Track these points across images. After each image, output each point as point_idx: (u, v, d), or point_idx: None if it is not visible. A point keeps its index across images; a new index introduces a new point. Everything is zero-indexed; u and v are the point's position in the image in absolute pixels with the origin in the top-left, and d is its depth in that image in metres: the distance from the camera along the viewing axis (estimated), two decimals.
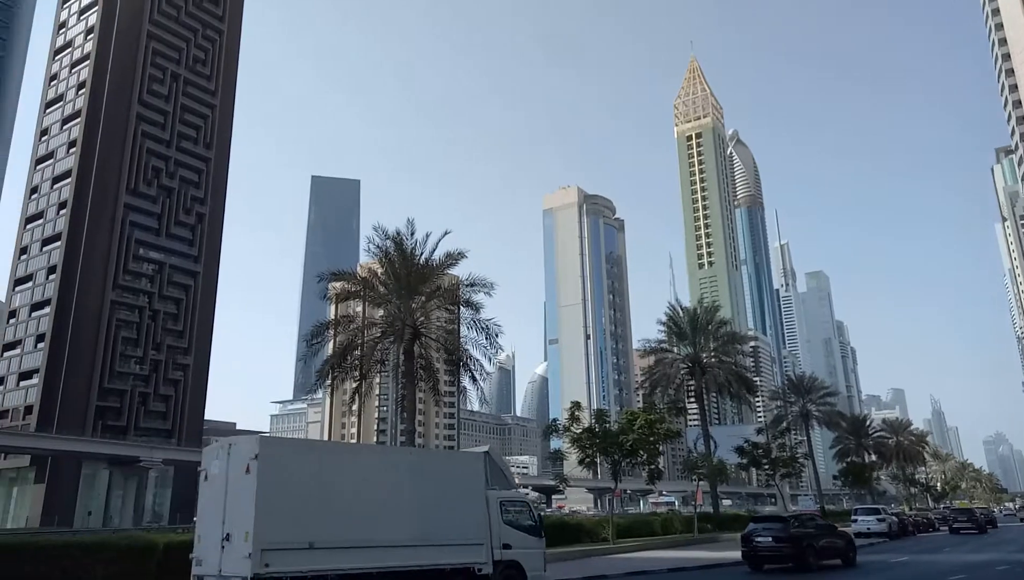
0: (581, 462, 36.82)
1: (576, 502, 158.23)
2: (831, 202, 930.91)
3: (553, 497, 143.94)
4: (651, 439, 34.89)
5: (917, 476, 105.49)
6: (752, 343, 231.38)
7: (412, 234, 28.35)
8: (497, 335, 29.24)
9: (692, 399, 52.17)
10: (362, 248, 35.03)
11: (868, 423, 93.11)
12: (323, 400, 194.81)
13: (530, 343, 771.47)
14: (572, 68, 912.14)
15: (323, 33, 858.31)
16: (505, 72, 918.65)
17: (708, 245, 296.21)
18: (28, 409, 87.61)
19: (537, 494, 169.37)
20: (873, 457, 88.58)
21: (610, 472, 38.26)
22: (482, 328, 28.87)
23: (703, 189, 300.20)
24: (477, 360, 28.95)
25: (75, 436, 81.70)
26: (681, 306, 54.10)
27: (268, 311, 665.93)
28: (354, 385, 29.01)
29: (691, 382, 50.13)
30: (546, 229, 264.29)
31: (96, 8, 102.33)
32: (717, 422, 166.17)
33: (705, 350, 50.74)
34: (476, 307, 28.84)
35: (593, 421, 36.89)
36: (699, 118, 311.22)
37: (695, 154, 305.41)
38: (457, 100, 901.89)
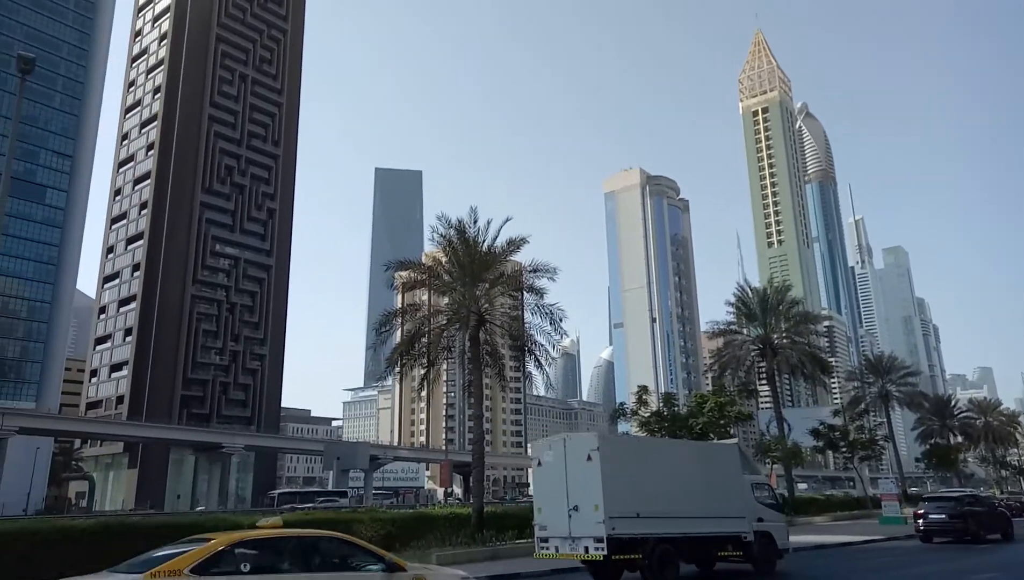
0: None
1: None
2: (910, 175, 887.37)
3: None
4: (721, 422, 34.32)
5: (1008, 458, 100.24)
6: (826, 323, 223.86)
7: (475, 222, 28.54)
8: (561, 320, 29.18)
9: (763, 381, 50.92)
10: (426, 237, 35.50)
11: (953, 403, 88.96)
12: (393, 387, 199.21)
13: (594, 328, 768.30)
14: (632, 50, 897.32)
15: (383, 25, 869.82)
16: (562, 57, 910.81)
17: (777, 223, 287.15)
18: (120, 399, 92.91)
19: None
20: (959, 439, 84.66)
21: None
22: (546, 313, 28.86)
23: (771, 165, 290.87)
24: (542, 345, 28.98)
25: (163, 424, 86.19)
26: (750, 286, 52.73)
27: (338, 301, 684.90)
28: (422, 372, 29.51)
29: (762, 364, 48.94)
30: (608, 212, 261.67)
31: (168, 15, 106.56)
32: (790, 404, 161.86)
33: (776, 331, 49.40)
34: (539, 293, 28.86)
35: (661, 405, 36.52)
36: (765, 92, 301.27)
37: (761, 130, 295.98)
38: (515, 87, 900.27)
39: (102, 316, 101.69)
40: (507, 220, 29.72)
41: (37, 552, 17.80)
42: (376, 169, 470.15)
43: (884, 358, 73.76)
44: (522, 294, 30.26)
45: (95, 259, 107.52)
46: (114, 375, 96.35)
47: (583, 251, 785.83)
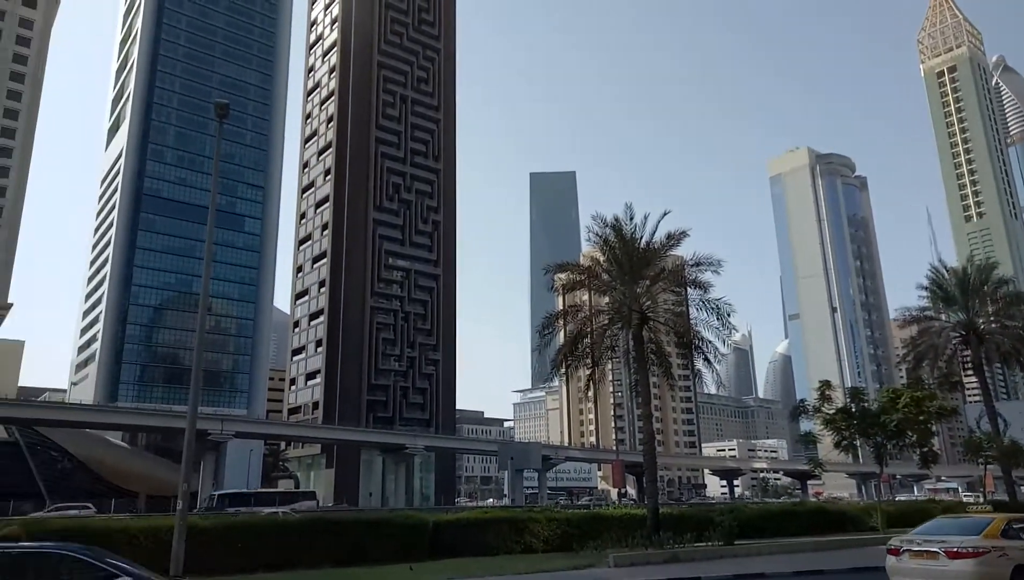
0: (837, 445, 33.90)
1: (835, 488, 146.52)
2: None
3: (808, 483, 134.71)
4: (920, 418, 31.08)
5: None
6: None
7: (631, 219, 28.14)
8: (729, 315, 27.94)
9: (969, 372, 45.52)
10: (583, 238, 35.55)
11: None
12: (560, 388, 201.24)
13: (767, 321, 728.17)
14: (799, 25, 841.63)
15: (526, 33, 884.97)
16: (703, 50, 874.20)
17: (975, 194, 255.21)
18: (315, 404, 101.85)
19: (790, 479, 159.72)
20: None
21: (873, 456, 34.75)
22: (712, 308, 27.79)
23: (963, 131, 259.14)
24: (709, 342, 27.94)
25: (353, 427, 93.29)
26: (946, 266, 47.32)
27: (504, 305, 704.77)
28: (587, 372, 29.52)
29: (966, 352, 43.78)
30: (775, 197, 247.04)
31: (335, 49, 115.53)
32: (1005, 397, 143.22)
33: (981, 315, 43.96)
34: (704, 287, 27.86)
35: (848, 400, 33.77)
36: (951, 49, 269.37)
37: (949, 92, 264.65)
38: (658, 85, 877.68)
39: (296, 330, 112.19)
40: (665, 214, 29.03)
41: (257, 543, 19.90)
42: (531, 173, 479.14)
43: None
44: (685, 289, 29.38)
45: (287, 278, 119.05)
46: (309, 383, 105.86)
47: (748, 241, 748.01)
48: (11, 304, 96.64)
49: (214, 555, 18.19)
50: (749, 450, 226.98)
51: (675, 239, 28.41)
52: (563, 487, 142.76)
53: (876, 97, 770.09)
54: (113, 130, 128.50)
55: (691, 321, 28.64)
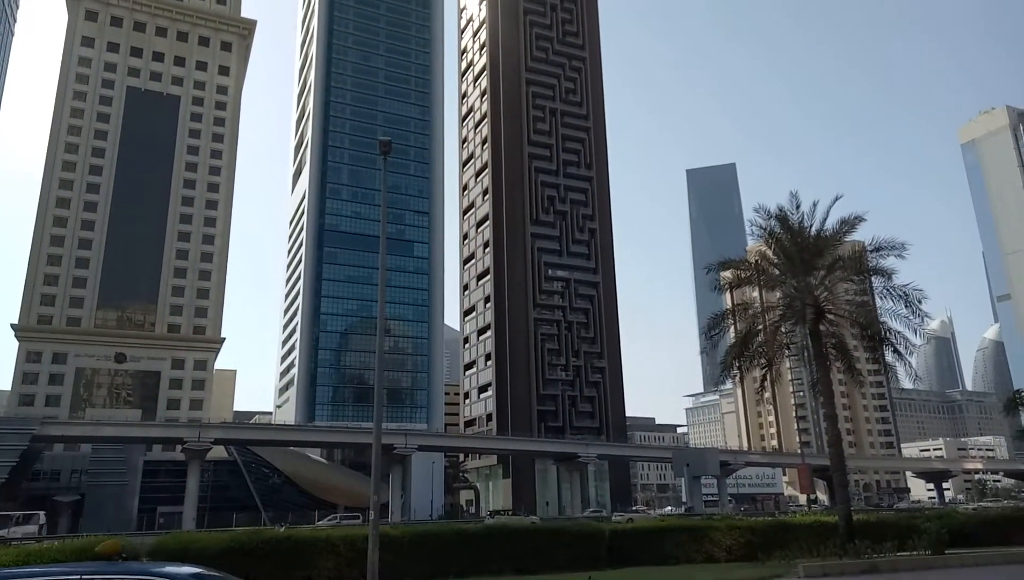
0: None
1: None
2: None
3: None
4: None
5: None
6: None
7: (797, 207, 26.58)
8: (920, 302, 25.46)
9: None
10: (747, 232, 34.07)
11: None
12: (734, 390, 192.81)
13: (970, 304, 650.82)
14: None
15: (670, 29, 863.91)
16: (854, 28, 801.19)
17: None
18: (488, 416, 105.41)
19: (1013, 481, 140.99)
20: None
21: None
22: (899, 296, 25.45)
23: None
24: (898, 332, 25.61)
25: (525, 437, 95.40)
26: None
27: (668, 307, 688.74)
28: (761, 373, 28.13)
29: None
30: (968, 165, 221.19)
31: (485, 72, 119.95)
32: None
33: None
34: (887, 273, 25.62)
35: None
36: None
37: None
38: (818, 62, 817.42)
39: (466, 345, 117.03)
40: (836, 198, 27.20)
41: (440, 552, 20.99)
42: (687, 170, 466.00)
43: None
44: (868, 277, 27.23)
45: (455, 296, 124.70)
46: (482, 396, 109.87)
47: (936, 218, 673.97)
48: (224, 338, 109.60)
49: (405, 562, 19.42)
50: (959, 449, 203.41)
51: (849, 225, 26.50)
52: (745, 494, 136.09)
53: None
54: (296, 175, 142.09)
55: (876, 311, 26.47)
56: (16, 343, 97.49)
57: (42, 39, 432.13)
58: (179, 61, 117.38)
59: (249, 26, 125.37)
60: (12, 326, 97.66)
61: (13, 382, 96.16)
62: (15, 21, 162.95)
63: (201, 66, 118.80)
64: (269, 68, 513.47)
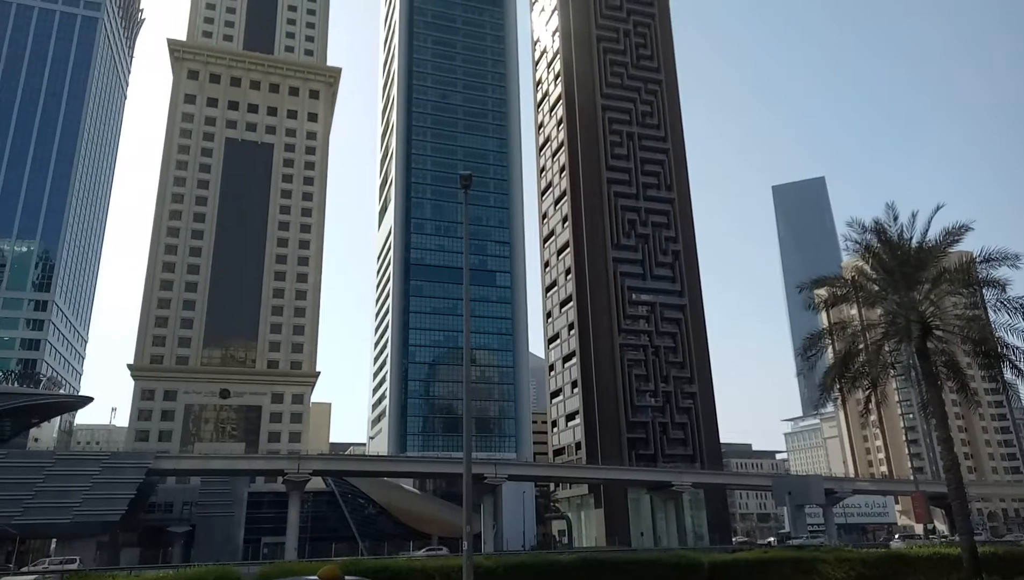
0: None
1: None
2: None
3: None
4: None
5: None
6: None
7: (895, 219, 25.35)
8: None
9: None
10: (840, 247, 32.68)
11: None
12: (836, 413, 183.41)
13: None
14: None
15: (747, 45, 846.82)
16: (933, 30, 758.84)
17: None
18: (577, 445, 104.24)
19: None
20: None
21: None
22: (1015, 308, 23.71)
23: None
24: (1016, 348, 23.78)
25: (615, 466, 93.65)
26: None
27: (759, 327, 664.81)
28: (864, 395, 26.68)
29: None
30: None
31: (561, 101, 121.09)
32: None
33: None
34: (1000, 285, 23.94)
35: None
36: None
37: None
38: (888, 71, 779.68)
39: (552, 373, 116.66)
40: (938, 208, 25.76)
41: None
42: (773, 187, 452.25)
43: None
44: (978, 290, 25.54)
45: (539, 324, 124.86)
46: (569, 424, 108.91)
47: None
48: (319, 372, 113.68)
49: None
50: None
51: (954, 235, 25.03)
52: (854, 523, 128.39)
53: None
54: (382, 211, 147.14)
55: (989, 326, 24.72)
56: (132, 382, 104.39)
57: (149, 99, 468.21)
58: (271, 111, 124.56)
59: (335, 74, 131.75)
60: (128, 366, 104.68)
61: (130, 419, 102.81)
62: (127, 85, 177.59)
63: (292, 114, 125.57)
64: (354, 111, 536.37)
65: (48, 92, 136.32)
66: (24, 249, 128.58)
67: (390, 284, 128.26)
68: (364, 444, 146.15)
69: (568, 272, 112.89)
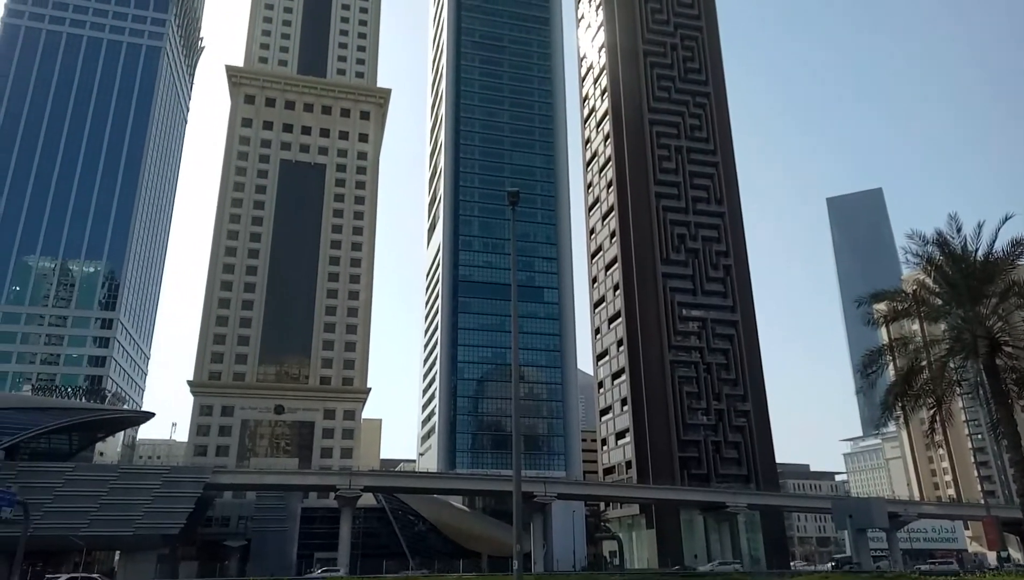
0: None
1: None
2: None
3: None
4: None
5: None
6: None
7: (958, 230, 24.36)
8: None
9: None
10: (901, 259, 31.53)
11: None
12: (898, 433, 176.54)
13: None
14: None
15: (794, 58, 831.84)
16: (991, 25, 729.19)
17: None
18: (628, 464, 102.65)
19: None
20: None
21: None
22: None
23: None
24: None
25: (667, 485, 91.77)
26: None
27: (815, 344, 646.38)
28: (929, 413, 25.56)
29: None
30: None
31: (607, 117, 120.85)
32: None
33: None
34: None
35: None
36: None
37: None
38: (954, 74, 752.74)
39: (601, 390, 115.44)
40: (1006, 218, 24.65)
41: None
42: (827, 199, 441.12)
43: None
44: None
45: (586, 341, 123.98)
46: (619, 442, 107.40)
47: None
48: (370, 388, 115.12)
49: None
50: None
51: (1023, 247, 23.84)
52: (920, 549, 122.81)
53: None
54: (431, 229, 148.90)
55: None
56: (192, 398, 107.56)
57: (208, 122, 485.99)
58: (324, 132, 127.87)
59: (385, 95, 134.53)
60: (188, 382, 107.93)
61: (189, 434, 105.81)
62: (188, 109, 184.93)
63: (343, 135, 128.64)
64: (404, 131, 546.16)
65: (115, 119, 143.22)
66: (92, 269, 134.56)
67: (439, 301, 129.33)
68: (414, 460, 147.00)
69: (616, 288, 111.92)
